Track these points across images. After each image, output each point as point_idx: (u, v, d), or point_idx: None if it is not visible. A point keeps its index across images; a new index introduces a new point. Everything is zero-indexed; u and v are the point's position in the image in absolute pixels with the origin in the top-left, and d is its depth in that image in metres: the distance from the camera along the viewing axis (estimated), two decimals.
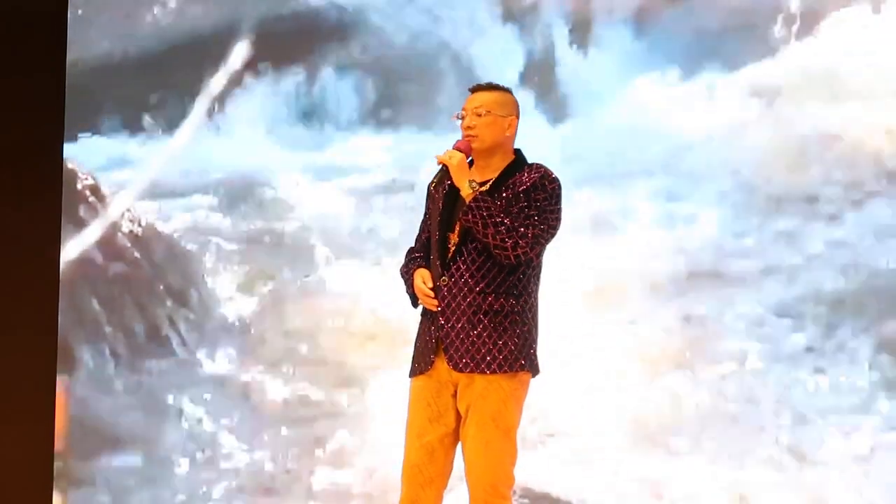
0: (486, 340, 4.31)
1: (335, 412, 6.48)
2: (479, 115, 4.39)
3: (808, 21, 6.09)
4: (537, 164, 4.43)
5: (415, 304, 4.50)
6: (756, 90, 6.12)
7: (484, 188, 4.34)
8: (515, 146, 4.48)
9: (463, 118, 4.42)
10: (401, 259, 4.60)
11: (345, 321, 6.53)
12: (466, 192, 4.30)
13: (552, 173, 4.39)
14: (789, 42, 6.09)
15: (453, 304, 4.34)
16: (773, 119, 6.10)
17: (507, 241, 4.27)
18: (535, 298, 4.41)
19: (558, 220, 4.37)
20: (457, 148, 4.38)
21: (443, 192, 4.44)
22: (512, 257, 4.29)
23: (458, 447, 4.40)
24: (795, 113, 6.06)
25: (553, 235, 4.38)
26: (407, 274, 4.51)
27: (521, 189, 4.34)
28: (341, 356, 6.50)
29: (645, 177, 6.18)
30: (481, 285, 4.32)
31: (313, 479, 6.49)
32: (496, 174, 4.40)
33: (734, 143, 6.08)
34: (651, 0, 6.27)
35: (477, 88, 4.47)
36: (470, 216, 4.28)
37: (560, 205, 4.37)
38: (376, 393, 6.41)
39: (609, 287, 6.15)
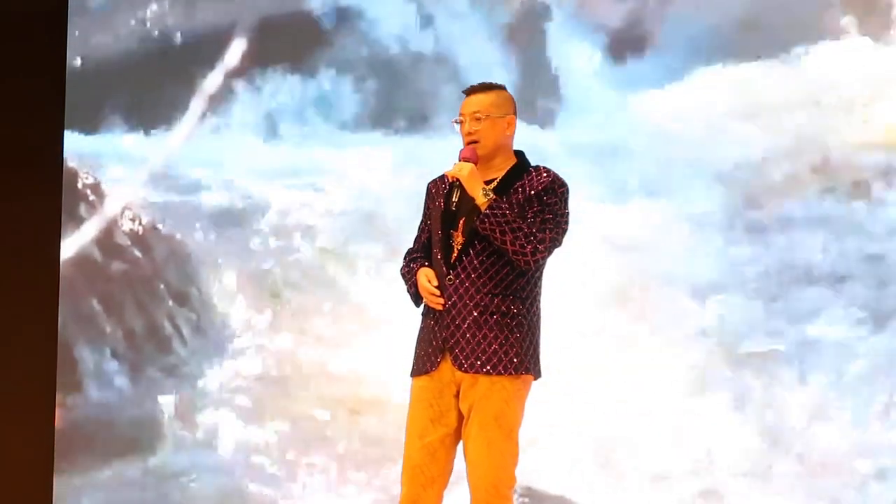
0: (493, 342, 4.30)
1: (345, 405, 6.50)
2: (479, 120, 4.36)
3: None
4: (543, 167, 4.42)
5: (417, 303, 4.48)
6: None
7: (491, 186, 4.32)
8: (516, 147, 4.46)
9: (462, 123, 4.40)
10: (399, 259, 4.60)
11: (344, 317, 6.55)
12: (481, 200, 4.28)
13: (561, 178, 4.39)
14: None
15: (459, 304, 4.33)
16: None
17: (526, 247, 4.26)
18: (539, 301, 4.41)
19: (567, 223, 4.37)
20: (464, 158, 4.34)
21: (443, 191, 4.43)
22: (532, 262, 4.29)
23: (460, 447, 4.40)
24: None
25: (563, 239, 4.38)
26: (409, 273, 4.48)
27: (532, 192, 4.33)
28: (343, 354, 6.53)
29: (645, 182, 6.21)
30: (489, 286, 4.32)
31: (326, 475, 6.50)
32: (500, 174, 4.39)
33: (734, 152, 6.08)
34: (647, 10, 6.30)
35: (471, 91, 4.43)
36: (487, 223, 4.26)
37: (568, 209, 4.38)
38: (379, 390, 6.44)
39: (610, 289, 6.18)
